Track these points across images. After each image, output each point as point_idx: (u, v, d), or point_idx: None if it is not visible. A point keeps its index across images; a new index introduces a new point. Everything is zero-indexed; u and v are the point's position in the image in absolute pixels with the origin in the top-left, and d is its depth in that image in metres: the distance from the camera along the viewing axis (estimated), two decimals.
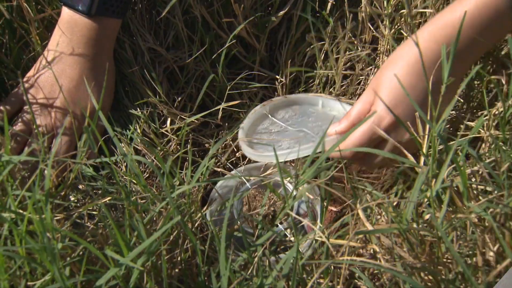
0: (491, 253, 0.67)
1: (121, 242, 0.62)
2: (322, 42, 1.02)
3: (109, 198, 0.67)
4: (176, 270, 0.69)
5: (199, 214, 0.74)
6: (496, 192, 0.69)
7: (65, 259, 0.66)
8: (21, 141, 0.89)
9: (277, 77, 1.06)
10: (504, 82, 0.86)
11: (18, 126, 0.89)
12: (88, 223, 0.69)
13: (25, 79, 0.91)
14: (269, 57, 1.11)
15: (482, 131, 0.87)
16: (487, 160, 0.75)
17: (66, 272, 0.64)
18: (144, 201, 0.75)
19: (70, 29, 0.91)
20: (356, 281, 0.72)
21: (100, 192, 0.73)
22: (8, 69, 0.96)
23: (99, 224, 0.70)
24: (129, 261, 0.61)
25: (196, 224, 0.72)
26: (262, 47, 1.07)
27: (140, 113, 0.94)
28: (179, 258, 0.69)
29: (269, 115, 0.98)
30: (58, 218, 0.70)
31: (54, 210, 0.71)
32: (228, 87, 1.01)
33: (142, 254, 0.62)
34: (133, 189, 0.74)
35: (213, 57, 1.01)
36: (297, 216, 0.63)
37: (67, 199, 0.72)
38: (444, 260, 0.68)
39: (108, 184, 0.78)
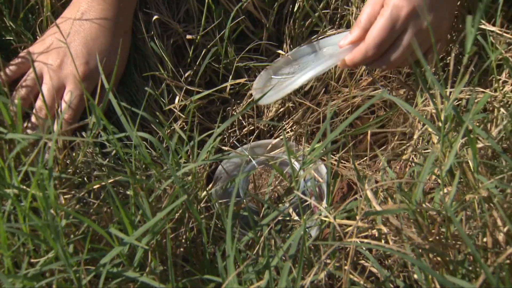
0: (502, 234, 0.65)
1: (126, 220, 0.61)
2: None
3: (112, 179, 0.66)
4: (181, 249, 0.67)
5: (205, 192, 0.73)
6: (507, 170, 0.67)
7: (69, 237, 0.65)
8: (33, 90, 0.87)
9: (282, 53, 1.04)
10: None
11: (29, 80, 0.87)
12: (93, 200, 0.68)
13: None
14: (276, 33, 1.09)
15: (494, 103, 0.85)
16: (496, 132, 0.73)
17: (70, 249, 0.63)
18: (150, 179, 0.73)
19: None
20: (363, 261, 0.70)
21: (106, 169, 0.71)
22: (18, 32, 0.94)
23: (105, 201, 0.68)
24: (133, 239, 0.59)
25: (202, 203, 0.71)
26: (270, 23, 1.04)
27: (148, 88, 0.92)
28: (184, 237, 0.68)
29: (273, 76, 0.96)
30: (66, 196, 0.69)
31: (60, 187, 0.69)
32: (236, 59, 0.99)
33: (147, 233, 0.61)
34: (139, 166, 0.73)
35: (222, 33, 0.99)
36: (303, 196, 0.61)
37: (76, 175, 0.71)
38: (454, 241, 0.66)
39: (115, 161, 0.76)
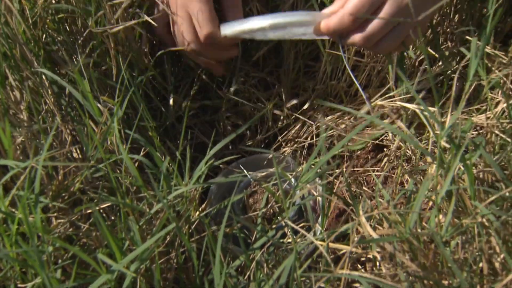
0: (499, 259, 0.63)
1: (114, 246, 0.59)
2: None
3: (100, 205, 0.64)
4: (172, 272, 0.66)
5: (197, 213, 0.71)
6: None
7: (58, 260, 0.64)
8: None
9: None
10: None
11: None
12: (83, 224, 0.66)
13: None
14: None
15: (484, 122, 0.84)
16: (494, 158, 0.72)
17: (58, 274, 0.61)
18: (141, 201, 0.71)
19: None
20: (357, 285, 0.69)
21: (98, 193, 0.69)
22: None
23: (95, 225, 0.67)
24: (121, 267, 0.58)
25: (193, 226, 0.69)
26: None
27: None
28: (175, 260, 0.66)
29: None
30: (60, 220, 0.67)
31: (53, 209, 0.67)
32: None
33: (136, 259, 0.59)
34: (131, 188, 0.71)
35: None
36: (291, 224, 0.59)
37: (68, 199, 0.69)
38: (449, 266, 0.64)
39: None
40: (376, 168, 0.94)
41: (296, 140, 1.03)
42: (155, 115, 0.97)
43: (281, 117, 1.04)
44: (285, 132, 1.04)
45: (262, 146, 1.06)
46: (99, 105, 0.73)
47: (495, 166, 0.64)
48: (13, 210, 0.66)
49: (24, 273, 0.64)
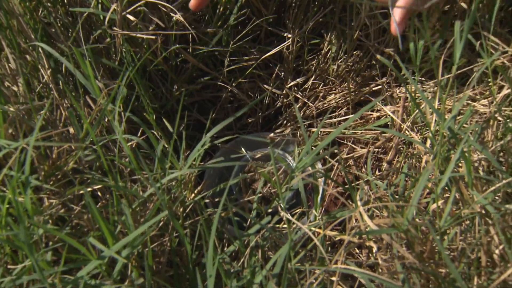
0: (497, 251, 0.61)
1: (105, 230, 0.57)
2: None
3: (92, 187, 0.62)
4: (164, 257, 0.64)
5: (193, 195, 0.69)
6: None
7: (48, 242, 0.62)
8: None
9: (285, 50, 0.98)
10: None
11: None
12: (75, 206, 0.64)
13: None
14: (277, 19, 1.03)
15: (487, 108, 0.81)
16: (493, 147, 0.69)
17: (48, 257, 0.59)
18: (136, 183, 0.69)
19: None
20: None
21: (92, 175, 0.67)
22: None
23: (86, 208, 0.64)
24: (113, 252, 0.56)
25: (189, 208, 0.67)
26: (270, 12, 0.99)
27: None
28: (168, 244, 0.64)
29: None
30: (51, 200, 0.65)
31: (46, 191, 0.65)
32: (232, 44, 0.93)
33: (127, 244, 0.57)
34: (125, 169, 0.68)
35: (219, 23, 0.94)
36: (289, 216, 0.57)
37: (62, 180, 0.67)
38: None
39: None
40: (376, 150, 0.92)
41: (296, 119, 1.01)
42: (157, 96, 0.94)
43: (281, 96, 1.02)
44: (286, 111, 1.02)
45: (262, 124, 1.03)
46: (99, 83, 0.70)
47: (491, 159, 0.61)
48: (4, 189, 0.63)
49: (15, 253, 0.62)
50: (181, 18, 0.79)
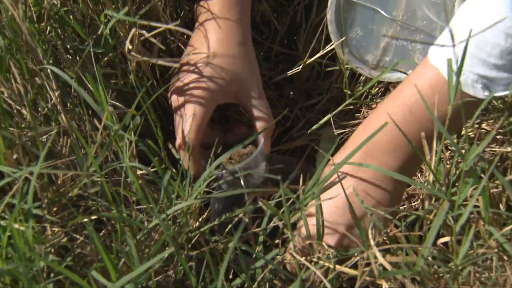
0: None
1: (108, 264, 0.54)
2: None
3: (94, 216, 0.59)
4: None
5: (197, 223, 0.66)
6: None
7: (50, 273, 0.59)
8: None
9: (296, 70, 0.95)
10: None
11: None
12: (78, 236, 0.61)
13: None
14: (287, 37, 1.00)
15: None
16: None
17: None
18: (142, 212, 0.66)
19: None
20: None
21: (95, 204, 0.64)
22: None
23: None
24: None
25: (193, 240, 0.64)
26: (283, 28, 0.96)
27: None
28: (173, 276, 0.62)
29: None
30: (54, 228, 0.62)
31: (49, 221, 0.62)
32: None
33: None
34: (130, 198, 0.66)
35: None
36: (298, 257, 0.54)
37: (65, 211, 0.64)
38: None
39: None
40: None
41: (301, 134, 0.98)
42: (165, 119, 0.91)
43: (291, 118, 0.99)
44: (291, 131, 0.99)
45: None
46: (110, 108, 0.68)
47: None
48: (6, 217, 0.61)
49: (16, 283, 0.59)
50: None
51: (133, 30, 0.66)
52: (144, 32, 0.70)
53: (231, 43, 0.76)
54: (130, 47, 0.68)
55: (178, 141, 0.75)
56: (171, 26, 0.68)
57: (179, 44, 0.86)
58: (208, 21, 0.77)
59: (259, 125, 0.78)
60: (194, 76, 0.75)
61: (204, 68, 0.74)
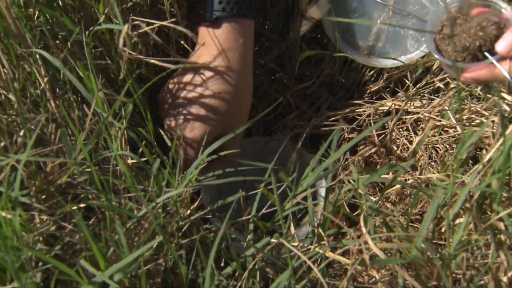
0: (505, 279, 0.57)
1: (97, 253, 0.53)
2: None
3: (83, 204, 0.58)
4: (159, 277, 0.60)
5: (188, 211, 0.65)
6: None
7: (38, 262, 0.57)
8: None
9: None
10: None
11: None
12: (66, 225, 0.60)
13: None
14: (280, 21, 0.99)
15: None
16: None
17: (38, 278, 0.55)
18: (132, 199, 0.65)
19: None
20: None
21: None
22: None
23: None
24: (105, 277, 0.52)
25: (184, 228, 0.62)
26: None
27: None
28: (163, 265, 0.60)
29: None
30: (42, 216, 0.61)
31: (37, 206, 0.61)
32: None
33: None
34: (119, 186, 0.64)
35: None
36: (290, 246, 0.53)
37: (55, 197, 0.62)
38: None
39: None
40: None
41: (295, 124, 0.96)
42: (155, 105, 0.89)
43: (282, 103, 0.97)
44: (285, 118, 0.97)
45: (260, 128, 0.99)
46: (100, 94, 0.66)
47: None
48: None
49: (4, 272, 0.58)
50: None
51: (126, 26, 0.63)
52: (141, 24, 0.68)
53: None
54: (121, 45, 0.65)
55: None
56: (166, 23, 0.66)
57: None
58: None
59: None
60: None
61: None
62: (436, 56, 0.68)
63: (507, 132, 0.57)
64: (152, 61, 0.64)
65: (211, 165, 0.69)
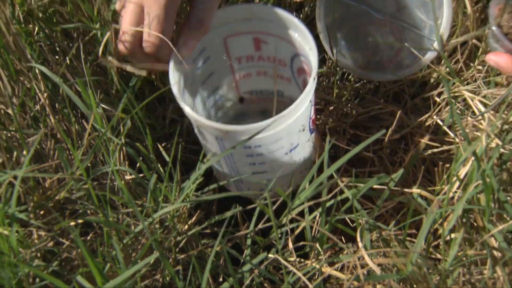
0: None
1: (94, 270, 0.53)
2: None
3: (81, 220, 0.57)
4: None
5: (186, 227, 0.65)
6: None
7: (35, 278, 0.57)
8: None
9: None
10: None
11: None
12: (64, 241, 0.60)
13: None
14: None
15: None
16: None
17: None
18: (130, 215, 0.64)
19: None
20: None
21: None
22: None
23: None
24: None
25: (181, 244, 0.62)
26: None
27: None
28: (160, 280, 0.60)
29: None
30: (40, 232, 0.61)
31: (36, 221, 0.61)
32: None
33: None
34: (117, 201, 0.64)
35: None
36: (286, 263, 0.52)
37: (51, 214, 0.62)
38: None
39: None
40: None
41: None
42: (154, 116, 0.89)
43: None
44: None
45: None
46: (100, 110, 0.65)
47: None
48: None
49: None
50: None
51: (108, 33, 0.62)
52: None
53: None
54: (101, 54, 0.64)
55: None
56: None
57: None
58: None
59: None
60: None
61: None
62: (491, 22, 0.67)
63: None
64: (129, 69, 0.62)
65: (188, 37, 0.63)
